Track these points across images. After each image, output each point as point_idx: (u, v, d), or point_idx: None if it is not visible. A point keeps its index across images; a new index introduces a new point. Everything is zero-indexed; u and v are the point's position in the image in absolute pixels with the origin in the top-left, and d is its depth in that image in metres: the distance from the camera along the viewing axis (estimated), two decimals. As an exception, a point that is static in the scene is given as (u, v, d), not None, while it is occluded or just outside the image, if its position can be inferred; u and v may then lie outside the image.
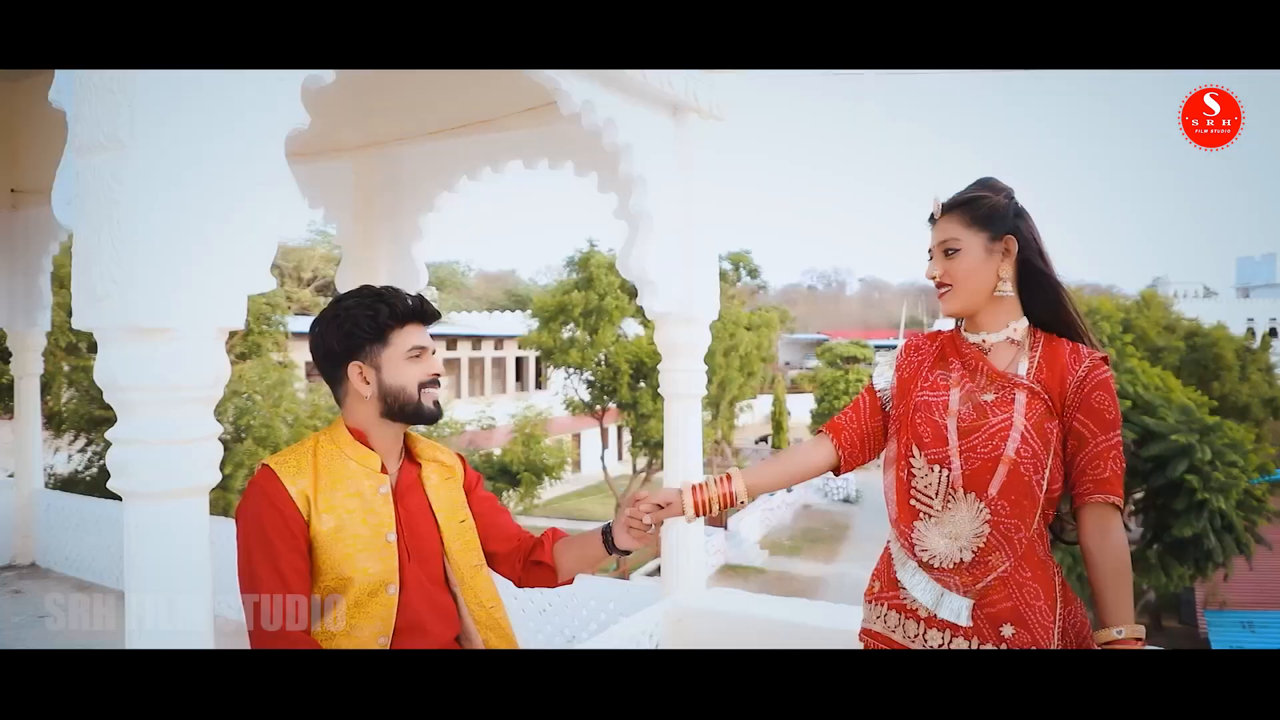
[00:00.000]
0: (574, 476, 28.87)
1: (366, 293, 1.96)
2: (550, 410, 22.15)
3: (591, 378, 21.62)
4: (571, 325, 21.31)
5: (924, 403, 1.93)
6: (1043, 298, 1.90)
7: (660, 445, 20.99)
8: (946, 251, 1.91)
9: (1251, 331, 37.79)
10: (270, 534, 1.79)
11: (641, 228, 3.23)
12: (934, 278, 1.95)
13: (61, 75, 1.73)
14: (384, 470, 1.95)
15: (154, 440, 1.63)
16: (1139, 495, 17.33)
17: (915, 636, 1.91)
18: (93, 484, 12.83)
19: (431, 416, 1.98)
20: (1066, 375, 1.83)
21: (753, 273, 32.40)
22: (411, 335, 1.94)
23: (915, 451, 1.92)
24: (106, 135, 1.58)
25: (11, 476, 6.80)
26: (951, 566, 1.84)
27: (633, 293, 21.59)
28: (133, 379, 1.61)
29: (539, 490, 20.38)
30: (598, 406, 22.24)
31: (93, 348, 14.15)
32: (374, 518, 1.89)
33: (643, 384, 21.24)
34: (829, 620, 3.11)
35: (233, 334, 12.13)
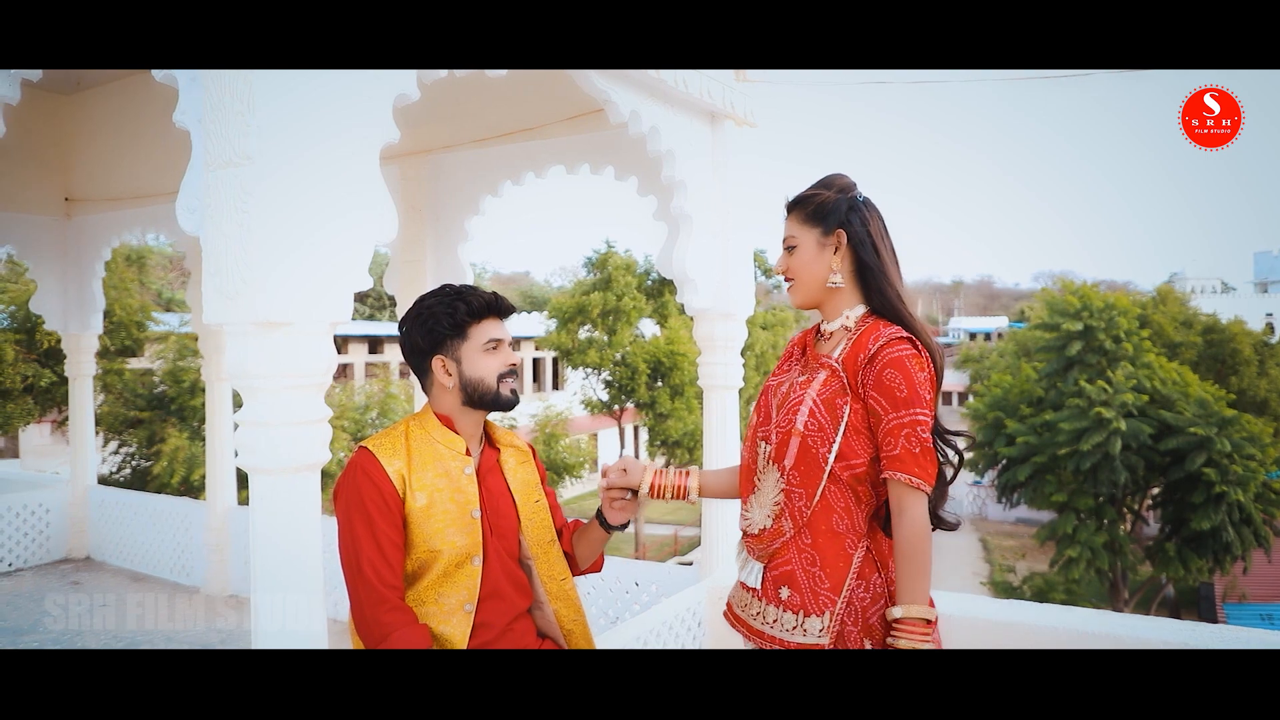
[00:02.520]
0: (592, 476, 29.06)
1: (446, 291, 2.16)
2: (569, 410, 22.35)
3: (609, 378, 21.81)
4: (589, 326, 21.51)
5: (766, 387, 2.12)
6: (873, 287, 1.98)
7: (678, 444, 21.26)
8: (788, 248, 2.06)
9: (1270, 326, 37.64)
10: (370, 507, 1.98)
11: (682, 229, 3.42)
12: (780, 272, 2.10)
13: (186, 98, 1.93)
14: (468, 453, 2.14)
15: (276, 422, 1.83)
16: (1156, 490, 17.43)
17: (736, 598, 2.09)
18: (126, 486, 13.10)
19: (509, 403, 2.18)
20: (860, 353, 1.89)
21: (768, 272, 32.52)
22: (488, 329, 2.13)
23: (758, 432, 2.10)
24: (236, 152, 1.78)
25: (58, 474, 7.05)
26: (758, 533, 2.00)
27: (649, 293, 21.84)
28: (258, 367, 1.81)
29: (560, 489, 20.61)
30: (616, 406, 22.43)
31: (122, 352, 14.45)
32: (460, 496, 2.09)
33: (660, 383, 21.41)
34: None
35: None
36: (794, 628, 1.88)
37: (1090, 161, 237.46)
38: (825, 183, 2.05)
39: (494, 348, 2.13)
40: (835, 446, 1.87)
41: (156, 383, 13.89)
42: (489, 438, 2.25)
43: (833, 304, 2.02)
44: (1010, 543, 25.94)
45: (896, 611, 1.80)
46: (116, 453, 14.05)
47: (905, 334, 1.89)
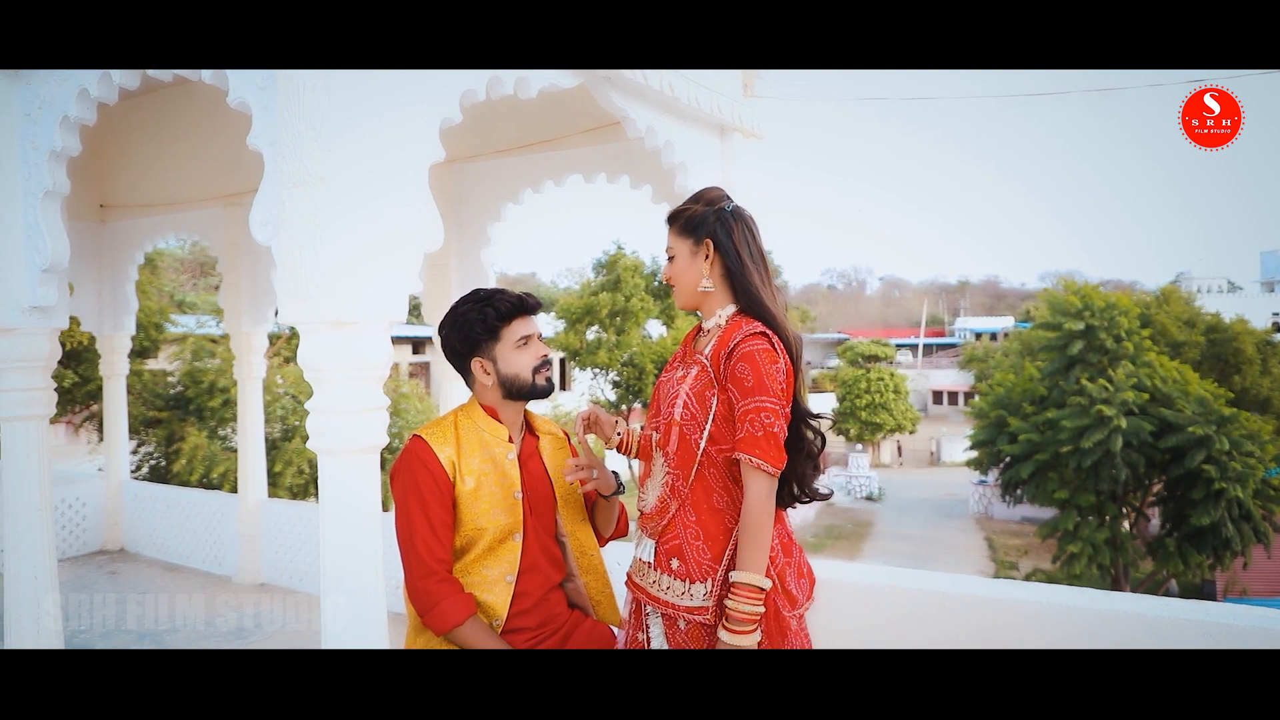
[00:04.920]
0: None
1: (477, 297, 2.36)
2: (578, 410, 22.61)
3: (617, 378, 22.06)
4: (597, 326, 21.76)
5: (658, 383, 2.36)
6: (739, 289, 2.18)
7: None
8: (669, 258, 2.29)
9: (1277, 325, 37.70)
10: (423, 490, 2.21)
11: (695, 234, 3.66)
12: (665, 279, 2.34)
13: (259, 124, 2.18)
14: (510, 440, 2.38)
15: (342, 409, 2.09)
16: (1157, 487, 17.62)
17: (634, 568, 2.31)
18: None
19: (545, 392, 2.41)
20: (721, 349, 2.10)
21: (773, 273, 32.72)
22: (518, 328, 2.34)
23: (651, 423, 2.36)
24: (310, 173, 2.03)
25: (101, 470, 7.32)
26: (650, 512, 2.24)
27: (656, 294, 22.09)
28: (328, 361, 2.07)
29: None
30: (623, 406, 22.68)
31: (140, 354, 14.71)
32: (505, 480, 2.32)
33: (667, 383, 21.62)
34: (866, 577, 3.48)
35: (275, 339, 12.47)
36: (682, 594, 2.11)
37: (1096, 163, 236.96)
38: (696, 197, 2.28)
39: (524, 344, 2.34)
40: (705, 432, 2.09)
41: (174, 383, 14.12)
42: (529, 425, 2.49)
43: (708, 305, 2.24)
44: (1015, 541, 26.11)
45: (734, 575, 2.01)
46: (135, 451, 14.26)
47: (761, 330, 2.09)
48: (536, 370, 2.37)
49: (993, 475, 21.62)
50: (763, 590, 2.00)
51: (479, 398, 2.40)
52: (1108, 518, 17.29)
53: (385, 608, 2.17)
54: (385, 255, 2.12)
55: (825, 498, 2.29)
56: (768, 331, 2.10)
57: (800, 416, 2.17)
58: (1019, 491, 18.93)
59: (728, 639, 1.99)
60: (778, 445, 2.03)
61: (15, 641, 2.94)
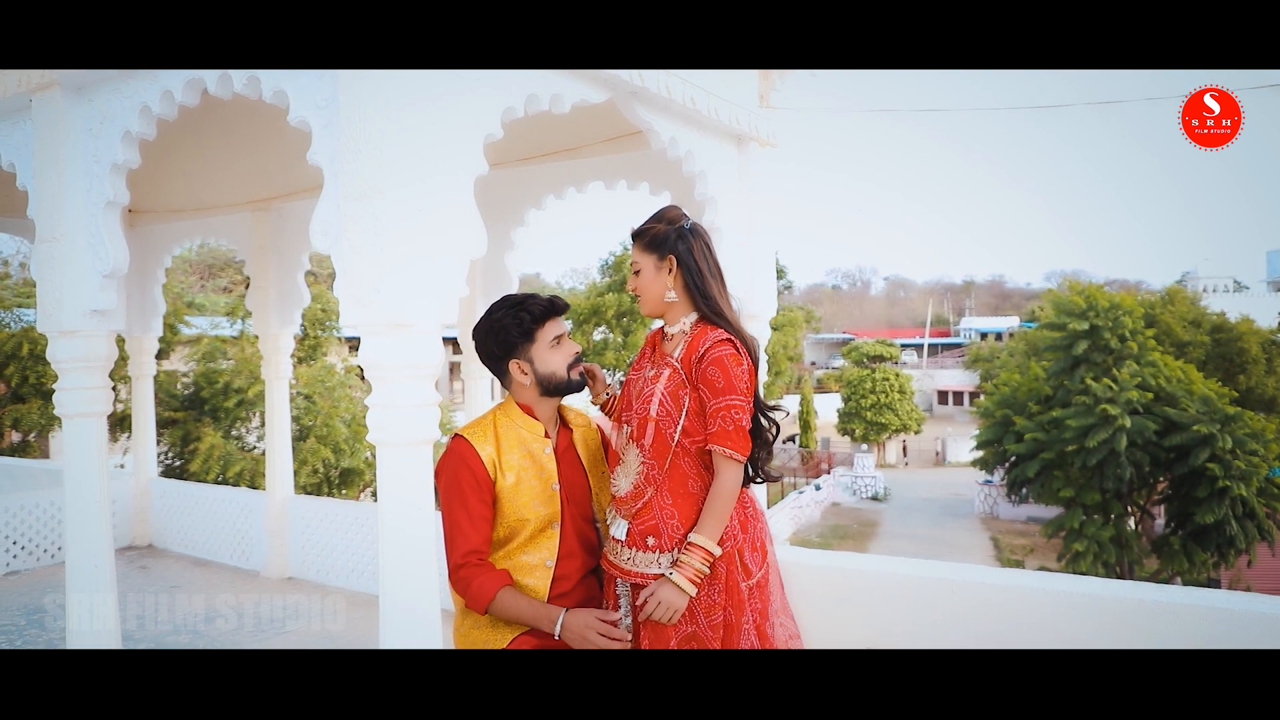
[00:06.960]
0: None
1: (510, 303, 2.55)
2: (584, 411, 22.79)
3: (624, 378, 22.24)
4: (603, 327, 21.93)
5: (628, 380, 2.60)
6: (700, 301, 2.46)
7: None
8: (635, 271, 2.54)
9: (1281, 325, 37.70)
10: (464, 488, 2.40)
11: (713, 240, 3.83)
12: (630, 291, 2.59)
13: (319, 139, 2.34)
14: (547, 435, 2.55)
15: (399, 405, 2.25)
16: (1162, 485, 17.75)
17: (609, 547, 2.53)
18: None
19: (579, 386, 2.60)
20: (692, 354, 2.37)
21: (778, 273, 32.87)
22: (550, 329, 2.53)
23: (621, 416, 2.59)
24: (370, 186, 2.20)
25: (123, 467, 7.50)
26: (623, 496, 2.46)
27: (664, 295, 22.28)
28: (387, 360, 2.23)
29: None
30: (630, 406, 22.83)
31: (160, 354, 14.92)
32: (543, 473, 2.50)
33: (674, 383, 21.78)
34: (875, 567, 3.64)
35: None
36: (651, 563, 2.37)
37: (1101, 166, 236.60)
38: (658, 216, 2.52)
39: (558, 343, 2.53)
40: (679, 427, 2.36)
41: (189, 384, 14.30)
42: (563, 419, 2.67)
43: (672, 313, 2.50)
44: (1021, 540, 26.21)
45: (692, 537, 2.32)
46: (149, 451, 14.43)
47: (727, 337, 2.38)
48: (570, 367, 2.55)
49: (998, 474, 21.75)
50: (712, 555, 2.31)
51: (516, 397, 2.57)
52: (1113, 516, 17.42)
53: (439, 585, 2.33)
54: (437, 262, 2.28)
55: (775, 479, 2.66)
56: (732, 338, 2.38)
57: (759, 409, 2.46)
58: (1024, 490, 19.08)
59: (673, 576, 2.29)
60: (745, 436, 2.34)
61: (75, 639, 3.06)
